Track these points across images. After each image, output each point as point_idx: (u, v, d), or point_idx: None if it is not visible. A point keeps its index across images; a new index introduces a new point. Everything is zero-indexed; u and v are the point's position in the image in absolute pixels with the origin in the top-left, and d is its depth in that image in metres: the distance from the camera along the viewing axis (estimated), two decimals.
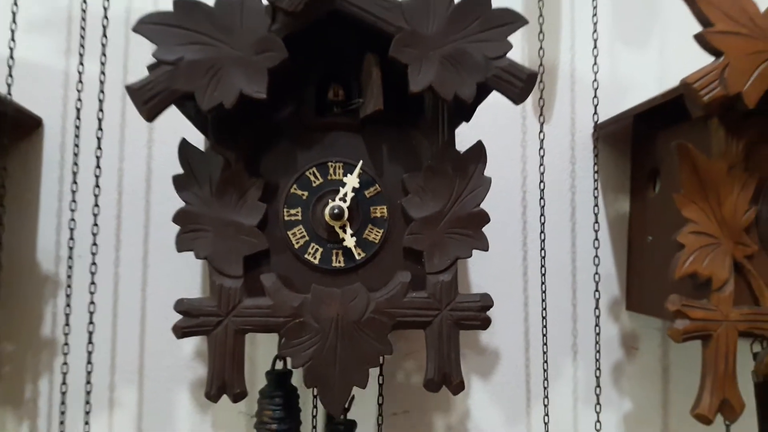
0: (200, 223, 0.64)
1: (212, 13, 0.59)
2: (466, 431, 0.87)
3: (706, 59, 0.63)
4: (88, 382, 0.76)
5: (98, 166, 0.75)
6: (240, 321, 0.64)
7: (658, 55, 0.92)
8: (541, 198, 0.84)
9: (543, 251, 0.84)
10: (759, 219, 0.69)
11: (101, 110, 0.75)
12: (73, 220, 0.75)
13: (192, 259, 0.71)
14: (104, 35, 0.76)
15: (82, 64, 0.76)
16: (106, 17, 0.76)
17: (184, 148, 0.65)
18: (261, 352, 0.83)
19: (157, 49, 0.58)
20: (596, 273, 0.83)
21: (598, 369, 0.82)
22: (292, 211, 0.67)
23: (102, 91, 0.76)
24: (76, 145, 0.77)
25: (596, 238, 0.83)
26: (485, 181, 0.67)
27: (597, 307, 0.83)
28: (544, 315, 0.84)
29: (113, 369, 0.83)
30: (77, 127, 0.76)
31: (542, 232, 0.84)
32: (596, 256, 0.83)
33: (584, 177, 0.88)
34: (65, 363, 0.75)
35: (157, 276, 0.84)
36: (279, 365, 0.72)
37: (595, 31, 0.85)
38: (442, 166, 0.67)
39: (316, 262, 0.67)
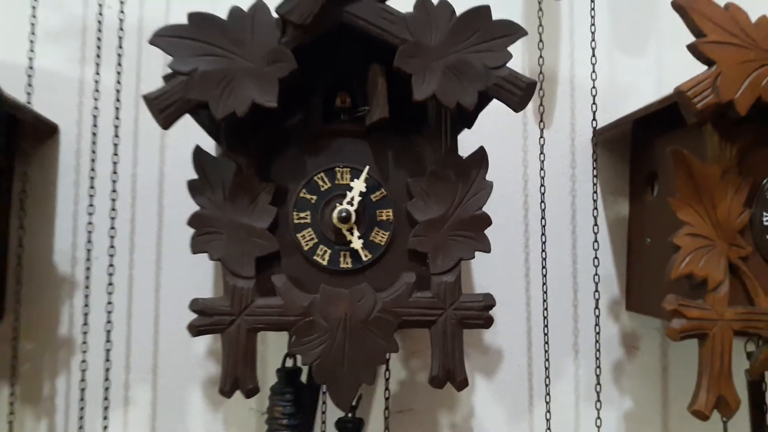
0: (214, 226, 0.66)
1: (225, 26, 0.61)
2: (470, 428, 0.88)
3: (701, 67, 0.65)
4: (107, 379, 0.77)
5: (115, 172, 0.77)
6: (252, 320, 0.65)
7: (656, 63, 0.93)
8: (542, 201, 0.86)
9: (544, 253, 0.86)
10: (753, 221, 0.71)
11: (118, 117, 0.78)
12: (90, 223, 0.77)
13: (203, 261, 0.72)
14: (120, 46, 0.78)
15: (98, 73, 0.78)
16: (121, 28, 0.77)
17: (198, 154, 0.67)
18: (271, 350, 0.84)
19: (173, 60, 0.60)
20: (596, 274, 0.84)
21: (599, 367, 0.83)
22: (302, 215, 0.69)
23: (118, 99, 0.78)
24: (93, 151, 0.78)
25: (596, 240, 0.84)
26: (487, 185, 0.68)
27: (597, 307, 0.84)
28: (545, 315, 0.85)
29: (128, 368, 0.84)
30: (94, 134, 0.78)
31: (543, 234, 0.86)
32: (596, 257, 0.84)
33: (584, 181, 0.90)
34: (84, 360, 0.76)
35: (170, 278, 0.85)
36: (289, 363, 0.73)
37: (593, 39, 0.86)
38: (445, 171, 0.68)
39: (325, 263, 0.68)
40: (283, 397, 0.71)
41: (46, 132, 0.83)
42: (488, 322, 0.68)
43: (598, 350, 0.84)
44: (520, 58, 0.91)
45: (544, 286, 0.86)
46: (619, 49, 0.93)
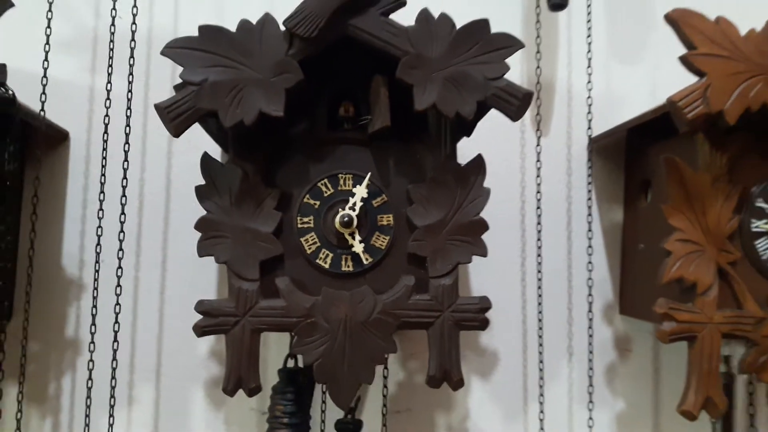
0: (220, 230, 0.67)
1: (234, 38, 0.62)
2: (466, 428, 0.89)
3: (694, 77, 0.66)
4: (113, 378, 0.78)
5: (125, 177, 0.79)
6: (256, 321, 0.67)
7: (651, 73, 0.94)
8: (538, 207, 0.87)
9: (539, 257, 0.87)
10: (741, 228, 0.72)
11: (128, 125, 0.79)
12: (100, 227, 0.79)
13: (208, 264, 0.74)
14: (132, 56, 0.79)
15: (110, 82, 0.80)
16: (133, 39, 0.79)
17: (206, 161, 0.68)
18: (272, 353, 0.85)
19: (184, 70, 0.62)
20: (590, 278, 0.86)
21: (591, 369, 0.85)
22: (305, 219, 0.70)
23: (129, 108, 0.79)
24: (104, 157, 0.80)
25: (590, 246, 0.86)
26: (485, 192, 0.69)
27: (590, 311, 0.86)
28: (540, 318, 0.87)
29: (132, 368, 0.85)
30: (105, 141, 0.80)
31: (539, 239, 0.87)
32: (590, 262, 0.86)
33: (579, 188, 0.90)
34: (91, 360, 0.78)
35: (175, 280, 0.87)
36: (290, 363, 0.74)
37: (589, 50, 0.88)
38: (444, 177, 0.69)
39: (327, 266, 0.70)
40: (285, 396, 0.72)
41: (57, 138, 0.85)
42: (484, 324, 0.69)
43: (591, 352, 0.85)
44: (518, 69, 0.92)
45: (539, 290, 0.87)
46: (615, 59, 0.94)
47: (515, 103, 0.64)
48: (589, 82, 0.88)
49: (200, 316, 0.67)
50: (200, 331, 0.67)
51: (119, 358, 0.80)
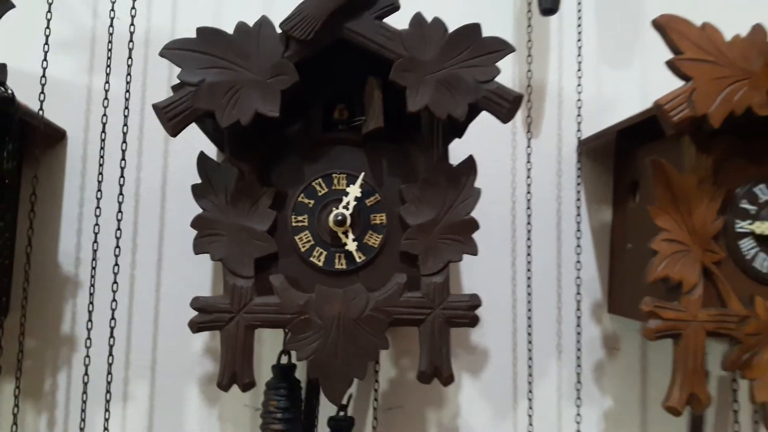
0: (216, 229, 0.68)
1: (231, 41, 0.63)
2: (456, 425, 0.90)
3: (682, 81, 0.67)
4: (110, 373, 0.79)
5: (122, 176, 0.79)
6: (250, 317, 0.67)
7: (640, 76, 0.95)
8: (528, 208, 0.87)
9: (529, 257, 0.88)
10: (726, 228, 0.73)
11: (126, 125, 0.80)
12: (97, 225, 0.79)
13: (203, 262, 0.75)
14: (129, 57, 0.80)
15: (108, 82, 0.81)
16: (131, 40, 0.80)
17: (203, 160, 0.69)
18: (266, 349, 0.86)
19: (182, 71, 0.62)
20: (578, 277, 0.87)
21: (579, 366, 0.85)
22: (300, 218, 0.71)
23: (127, 108, 0.80)
24: (102, 156, 0.80)
25: (578, 245, 0.87)
26: (475, 192, 0.70)
27: (578, 309, 0.87)
28: (529, 316, 0.88)
29: (128, 364, 0.86)
30: (102, 140, 0.80)
31: (529, 239, 0.88)
32: (578, 261, 0.87)
33: (569, 188, 0.91)
34: (87, 356, 0.78)
35: (170, 278, 0.88)
36: (284, 360, 0.75)
37: (579, 54, 0.89)
38: (436, 178, 0.70)
39: (321, 264, 0.71)
40: (278, 392, 0.73)
41: (55, 137, 0.86)
42: (474, 321, 0.70)
43: (579, 349, 0.86)
44: (510, 71, 0.93)
45: (529, 289, 0.88)
46: (604, 63, 0.95)
47: (506, 105, 0.66)
48: (579, 85, 0.89)
49: (195, 313, 0.68)
50: (195, 327, 0.68)
51: (115, 354, 0.81)
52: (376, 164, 0.73)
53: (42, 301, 0.85)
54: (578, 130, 0.89)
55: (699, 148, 0.71)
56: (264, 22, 0.64)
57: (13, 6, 0.70)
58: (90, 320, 0.80)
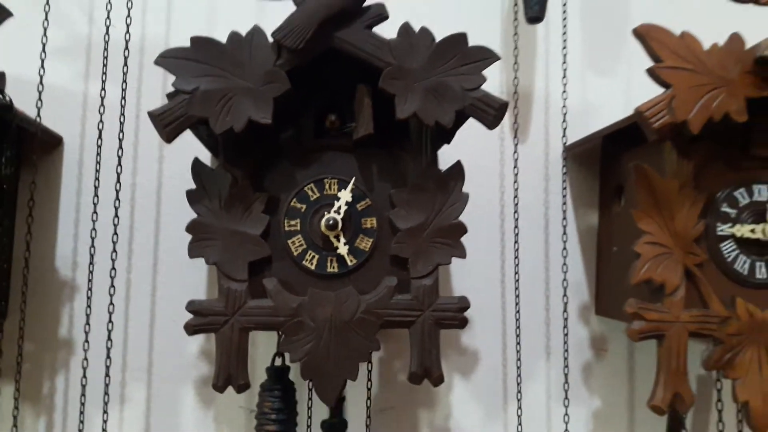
0: (210, 233, 0.69)
1: (225, 49, 0.65)
2: (448, 426, 0.91)
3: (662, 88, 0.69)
4: (107, 376, 0.80)
5: (118, 182, 0.81)
6: (245, 320, 0.68)
7: (624, 83, 0.97)
8: (516, 212, 0.89)
9: (517, 260, 0.89)
10: (707, 231, 0.74)
11: (122, 131, 0.81)
12: (94, 229, 0.80)
13: (198, 266, 0.76)
14: (125, 64, 0.82)
15: (104, 89, 0.82)
16: (127, 48, 0.82)
17: (197, 166, 0.70)
18: (260, 352, 0.87)
19: (176, 79, 0.64)
20: (564, 280, 0.88)
21: (566, 367, 0.86)
22: (292, 222, 0.72)
23: (123, 114, 0.81)
24: (98, 162, 0.82)
25: (564, 248, 0.88)
26: (463, 197, 0.71)
27: (565, 311, 0.88)
28: (517, 318, 0.89)
29: (124, 367, 0.87)
30: (99, 146, 0.82)
31: (516, 242, 0.89)
32: (564, 264, 0.88)
33: (556, 193, 0.93)
34: (85, 359, 0.79)
35: (166, 282, 0.89)
36: (278, 362, 0.76)
37: (564, 61, 0.90)
38: (425, 183, 0.71)
39: (313, 267, 0.72)
40: (272, 393, 0.74)
41: (51, 143, 0.87)
42: (463, 323, 0.71)
43: (566, 350, 0.87)
44: (497, 78, 0.94)
45: (517, 291, 0.89)
46: (590, 70, 0.97)
47: (491, 112, 0.67)
48: (564, 91, 0.90)
49: (191, 316, 0.69)
50: (191, 329, 0.69)
51: (112, 356, 0.82)
52: (367, 170, 0.74)
53: (40, 305, 0.86)
54: (564, 136, 0.91)
55: (680, 153, 0.72)
56: (256, 32, 0.66)
57: (10, 14, 0.71)
58: (87, 323, 0.81)
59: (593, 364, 0.93)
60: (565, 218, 0.89)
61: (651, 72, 0.69)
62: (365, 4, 0.67)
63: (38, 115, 0.80)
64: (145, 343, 0.89)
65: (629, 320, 0.72)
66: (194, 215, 0.70)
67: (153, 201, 0.90)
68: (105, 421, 0.81)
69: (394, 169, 0.74)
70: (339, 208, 0.71)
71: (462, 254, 0.72)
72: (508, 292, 0.92)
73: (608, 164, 0.90)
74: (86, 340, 0.80)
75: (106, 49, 0.84)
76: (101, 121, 0.82)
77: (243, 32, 0.66)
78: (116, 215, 0.81)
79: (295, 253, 0.72)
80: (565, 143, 0.91)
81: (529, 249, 0.93)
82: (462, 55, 0.67)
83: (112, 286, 0.81)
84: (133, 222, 0.89)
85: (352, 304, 0.70)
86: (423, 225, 0.71)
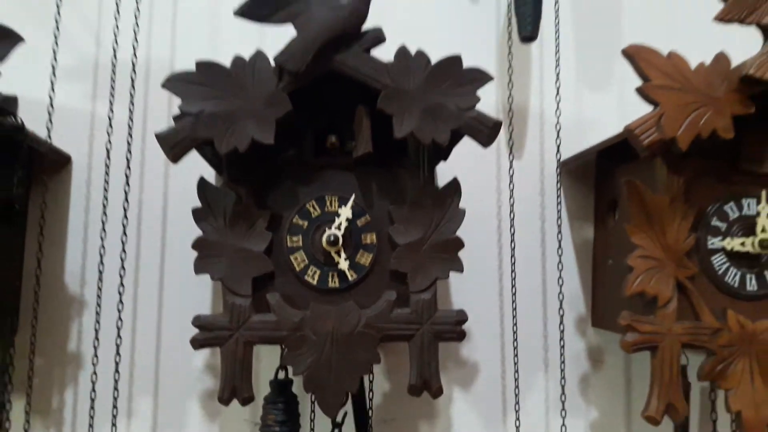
0: (215, 250, 0.71)
1: (229, 73, 0.67)
2: None
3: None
4: (116, 389, 0.82)
5: (126, 200, 0.82)
6: (249, 334, 0.70)
7: (617, 100, 0.98)
8: (512, 226, 0.90)
9: (514, 273, 0.90)
10: (698, 245, 0.76)
11: (129, 151, 0.83)
12: (102, 247, 0.82)
13: (203, 282, 0.77)
14: (132, 86, 0.84)
15: (112, 110, 0.84)
16: (134, 70, 0.84)
17: (202, 185, 0.72)
18: (264, 365, 0.88)
19: (182, 102, 0.66)
20: (560, 293, 0.89)
21: (563, 378, 0.87)
22: (294, 239, 0.74)
23: (130, 134, 0.84)
24: (106, 181, 0.84)
25: (560, 261, 0.90)
26: (460, 213, 0.73)
27: (562, 323, 0.89)
28: (515, 330, 0.89)
29: (132, 381, 0.89)
30: (107, 165, 0.84)
31: (513, 256, 0.90)
32: (560, 277, 0.89)
33: (552, 207, 0.93)
34: (94, 373, 0.81)
35: (172, 297, 0.90)
36: (281, 375, 0.77)
37: (558, 79, 0.92)
38: (423, 199, 0.73)
39: (315, 282, 0.74)
40: (276, 405, 0.75)
41: (60, 163, 0.89)
42: (461, 336, 0.73)
43: (563, 362, 0.88)
44: (492, 97, 0.96)
45: (514, 304, 0.90)
46: (583, 87, 0.98)
47: (486, 131, 0.69)
48: (558, 108, 0.92)
49: (197, 331, 0.71)
50: (197, 344, 0.71)
51: (120, 371, 0.83)
52: (366, 187, 0.76)
53: (50, 321, 0.88)
54: (558, 152, 0.92)
55: (670, 169, 0.73)
56: (259, 56, 0.68)
57: (22, 40, 0.74)
58: (96, 338, 0.82)
59: (590, 375, 0.95)
60: (560, 232, 0.90)
61: (640, 91, 0.71)
62: (363, 28, 0.69)
63: (48, 135, 0.82)
64: (152, 357, 0.90)
65: (621, 332, 0.73)
66: (200, 233, 0.72)
67: (159, 219, 0.91)
68: None
69: (392, 187, 0.76)
70: (340, 224, 0.72)
71: (459, 268, 0.74)
72: (506, 305, 0.93)
73: (603, 179, 0.92)
74: (95, 355, 0.82)
75: (113, 71, 0.86)
76: (109, 141, 0.85)
77: (245, 55, 0.68)
78: (124, 233, 0.82)
79: (298, 269, 0.74)
80: (560, 159, 0.93)
81: (525, 262, 0.94)
82: (457, 77, 0.69)
83: (120, 302, 0.82)
84: (140, 239, 0.91)
85: (353, 318, 0.71)
86: (421, 240, 0.73)
